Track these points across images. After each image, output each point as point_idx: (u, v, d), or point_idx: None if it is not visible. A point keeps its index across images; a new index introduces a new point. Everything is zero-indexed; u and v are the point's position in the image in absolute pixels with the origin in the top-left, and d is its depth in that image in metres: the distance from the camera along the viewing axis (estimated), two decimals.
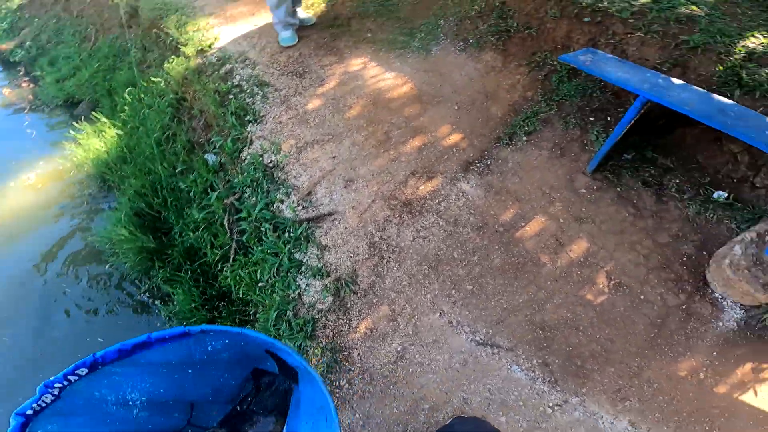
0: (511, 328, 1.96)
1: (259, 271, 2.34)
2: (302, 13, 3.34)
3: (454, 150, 2.53)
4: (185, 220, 2.66)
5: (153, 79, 3.31)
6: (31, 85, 4.72)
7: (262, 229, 2.41)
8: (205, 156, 2.74)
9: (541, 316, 1.98)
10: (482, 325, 1.99)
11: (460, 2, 3.17)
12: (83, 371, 1.04)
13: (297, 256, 2.31)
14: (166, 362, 1.17)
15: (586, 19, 2.65)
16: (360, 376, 1.97)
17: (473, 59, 2.95)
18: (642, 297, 2.00)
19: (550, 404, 1.80)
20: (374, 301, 2.15)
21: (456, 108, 2.71)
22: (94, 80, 4.08)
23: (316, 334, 2.08)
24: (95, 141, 3.32)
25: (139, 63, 3.80)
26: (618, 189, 2.27)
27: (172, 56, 3.37)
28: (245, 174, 2.58)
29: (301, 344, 2.07)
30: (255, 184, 2.55)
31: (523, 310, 1.99)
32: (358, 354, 2.01)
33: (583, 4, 2.67)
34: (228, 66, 3.06)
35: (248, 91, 2.90)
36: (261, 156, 2.63)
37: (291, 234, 2.36)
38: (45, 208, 3.32)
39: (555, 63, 2.76)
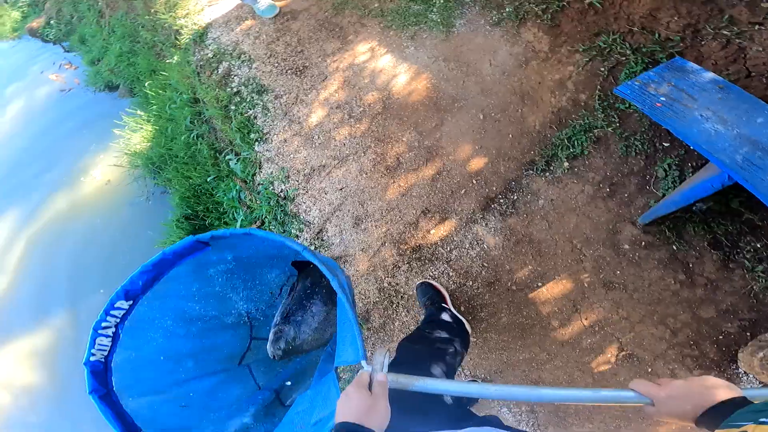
0: (507, 379, 1.88)
1: None
2: None
3: (475, 180, 2.06)
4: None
5: (166, 72, 2.95)
6: (73, 66, 4.39)
7: None
8: (231, 166, 2.53)
9: (538, 374, 1.84)
10: (481, 371, 1.91)
11: None
12: (124, 303, 0.98)
13: None
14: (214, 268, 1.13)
15: None
16: None
17: (509, 39, 2.19)
18: (650, 370, 1.72)
19: None
20: (385, 339, 2.09)
21: (481, 117, 2.13)
22: (120, 64, 3.72)
23: None
24: (138, 137, 3.15)
25: (152, 46, 3.38)
26: (674, 247, 1.76)
27: (171, 46, 2.92)
28: (261, 204, 2.39)
29: None
30: (271, 215, 2.37)
31: (521, 366, 1.85)
32: None
33: None
34: (225, 64, 2.59)
35: (248, 100, 2.48)
36: (272, 184, 2.38)
37: None
38: (113, 209, 3.34)
39: (627, 52, 1.96)
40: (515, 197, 2.00)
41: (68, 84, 4.13)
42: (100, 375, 0.98)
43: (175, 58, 2.79)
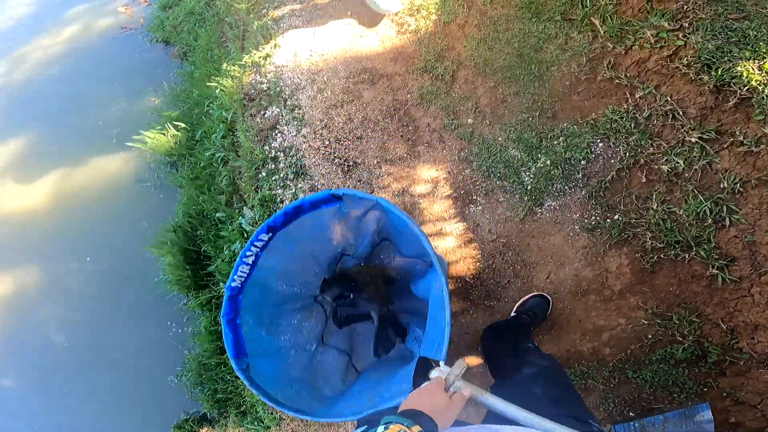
0: None
1: None
2: None
3: None
4: (218, 267, 2.37)
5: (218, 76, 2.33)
6: (147, 2, 3.72)
7: None
8: (242, 224, 2.30)
9: None
10: None
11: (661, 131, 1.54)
12: (264, 236, 1.11)
13: None
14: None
15: None
16: None
17: (589, 257, 1.78)
18: None
19: None
20: None
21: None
22: (185, 25, 3.09)
23: None
24: (168, 115, 2.72)
25: (219, 21, 2.55)
26: None
27: (236, 38, 2.21)
28: None
29: None
30: None
31: None
32: None
33: None
34: (274, 110, 2.08)
35: (282, 176, 2.11)
36: None
37: None
38: (117, 178, 2.96)
39: (689, 338, 1.66)
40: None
41: (133, 22, 3.58)
42: (233, 301, 1.11)
43: (233, 68, 2.17)
